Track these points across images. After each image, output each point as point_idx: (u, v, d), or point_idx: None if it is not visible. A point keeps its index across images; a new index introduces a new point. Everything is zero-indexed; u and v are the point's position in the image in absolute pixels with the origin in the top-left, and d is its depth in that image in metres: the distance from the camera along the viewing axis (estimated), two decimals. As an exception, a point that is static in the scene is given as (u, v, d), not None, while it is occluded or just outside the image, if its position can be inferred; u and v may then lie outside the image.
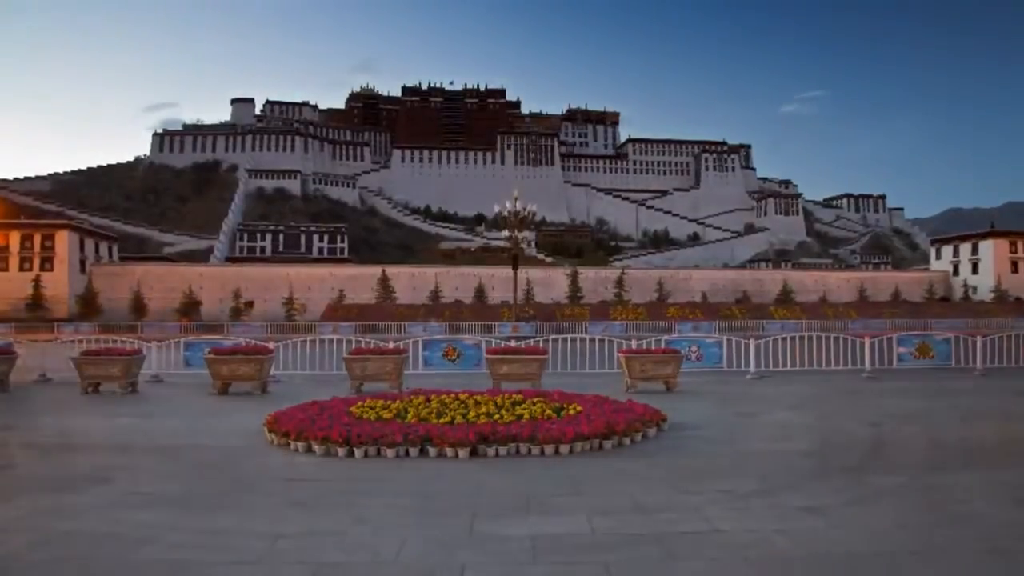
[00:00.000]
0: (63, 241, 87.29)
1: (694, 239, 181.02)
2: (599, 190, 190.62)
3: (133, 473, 7.72)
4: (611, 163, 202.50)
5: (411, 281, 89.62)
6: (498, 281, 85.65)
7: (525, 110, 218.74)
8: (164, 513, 6.10)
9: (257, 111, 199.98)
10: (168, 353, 19.81)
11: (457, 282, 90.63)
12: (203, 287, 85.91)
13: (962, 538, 5.37)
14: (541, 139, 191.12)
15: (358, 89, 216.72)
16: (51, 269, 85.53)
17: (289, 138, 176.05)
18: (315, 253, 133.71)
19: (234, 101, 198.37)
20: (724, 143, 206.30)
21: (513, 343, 18.67)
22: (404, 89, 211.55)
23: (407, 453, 8.30)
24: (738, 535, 5.43)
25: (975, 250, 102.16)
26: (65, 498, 6.62)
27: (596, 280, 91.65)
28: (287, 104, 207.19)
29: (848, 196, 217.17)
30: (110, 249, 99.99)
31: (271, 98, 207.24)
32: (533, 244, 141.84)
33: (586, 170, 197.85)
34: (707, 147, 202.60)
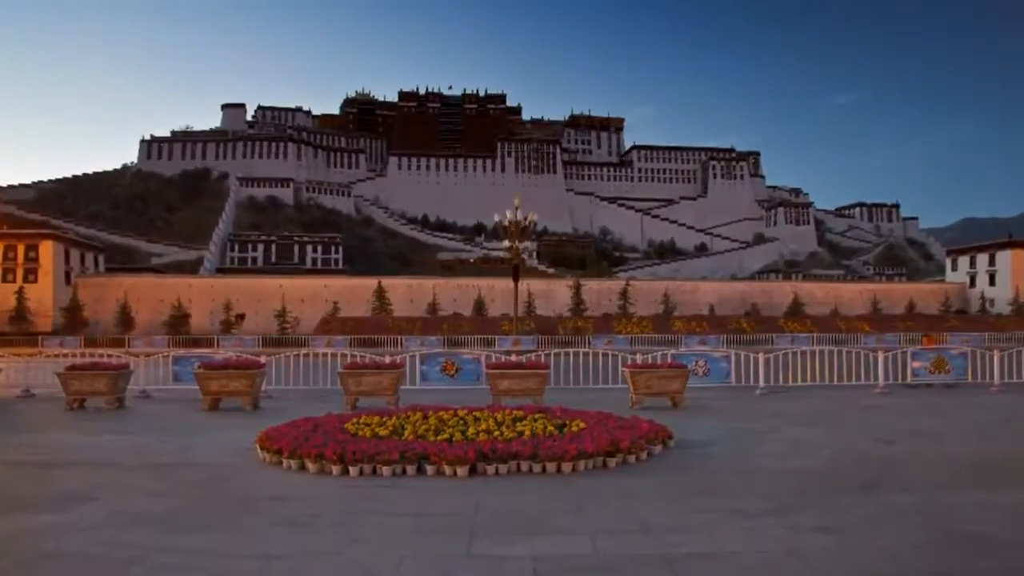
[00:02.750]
0: (47, 251, 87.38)
1: (701, 249, 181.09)
2: (603, 199, 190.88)
3: (120, 492, 7.72)
4: (615, 171, 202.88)
5: (408, 293, 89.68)
6: (498, 293, 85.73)
7: (526, 116, 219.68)
8: (152, 533, 6.10)
9: (248, 117, 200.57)
10: (156, 368, 19.83)
11: (456, 294, 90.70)
12: (192, 299, 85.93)
13: (978, 559, 5.37)
14: (543, 146, 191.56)
15: (353, 94, 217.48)
16: (35, 280, 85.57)
17: (281, 145, 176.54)
18: (308, 264, 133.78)
19: (224, 107, 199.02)
20: (732, 150, 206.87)
21: (514, 357, 18.69)
22: (401, 94, 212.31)
23: (404, 471, 8.31)
24: (748, 556, 5.43)
25: (992, 261, 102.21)
26: (48, 518, 6.62)
27: (600, 292, 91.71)
28: (279, 110, 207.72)
29: (861, 205, 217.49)
30: (96, 260, 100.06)
31: (263, 103, 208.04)
32: (534, 255, 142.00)
33: (589, 178, 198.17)
34: (715, 154, 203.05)
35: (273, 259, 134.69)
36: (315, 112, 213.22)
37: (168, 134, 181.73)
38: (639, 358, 17.65)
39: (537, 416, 10.31)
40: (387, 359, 17.44)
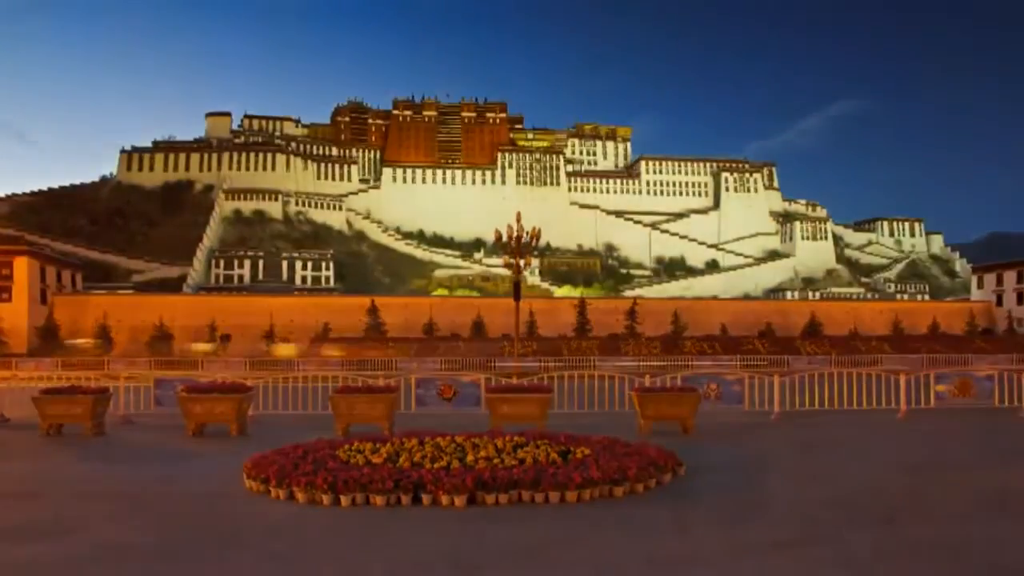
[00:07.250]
0: (22, 268, 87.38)
1: (713, 266, 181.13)
2: (609, 212, 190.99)
3: (99, 523, 7.75)
4: (622, 183, 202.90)
5: (403, 312, 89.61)
6: (498, 312, 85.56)
7: (528, 125, 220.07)
8: (134, 567, 6.14)
9: (234, 126, 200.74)
10: (137, 391, 19.84)
11: (453, 313, 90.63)
12: (175, 319, 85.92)
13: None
14: (545, 156, 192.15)
15: (344, 102, 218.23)
16: (8, 299, 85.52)
17: (269, 155, 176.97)
18: (298, 282, 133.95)
19: (209, 115, 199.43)
20: (746, 161, 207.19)
21: (515, 380, 18.73)
22: (395, 102, 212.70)
23: (399, 501, 8.33)
24: (760, 590, 5.46)
25: (1020, 278, 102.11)
26: (23, 550, 6.66)
27: (605, 311, 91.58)
28: (267, 118, 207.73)
29: (881, 219, 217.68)
30: (73, 277, 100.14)
31: (249, 112, 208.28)
32: (537, 272, 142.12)
33: (595, 191, 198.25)
34: (727, 165, 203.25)
35: (260, 276, 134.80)
36: (304, 121, 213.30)
37: (149, 144, 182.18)
38: (647, 381, 17.67)
39: (540, 442, 10.33)
40: (381, 382, 17.48)
